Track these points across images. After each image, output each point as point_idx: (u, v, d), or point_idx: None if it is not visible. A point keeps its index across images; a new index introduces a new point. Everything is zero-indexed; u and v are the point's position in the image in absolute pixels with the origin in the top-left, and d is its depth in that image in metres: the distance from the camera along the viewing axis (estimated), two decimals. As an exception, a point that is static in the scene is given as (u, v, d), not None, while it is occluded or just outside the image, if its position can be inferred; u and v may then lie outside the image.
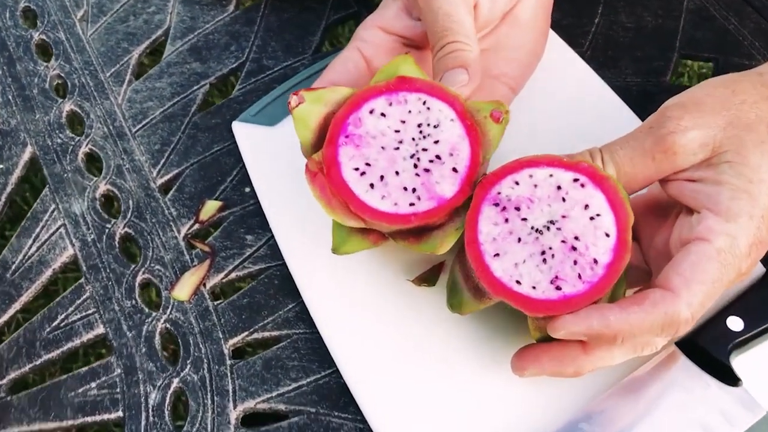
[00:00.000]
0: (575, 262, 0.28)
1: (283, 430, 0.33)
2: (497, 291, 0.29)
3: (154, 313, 0.37)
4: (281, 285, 0.37)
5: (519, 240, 0.29)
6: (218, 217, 0.39)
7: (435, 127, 0.31)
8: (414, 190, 0.30)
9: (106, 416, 0.34)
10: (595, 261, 0.28)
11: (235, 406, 0.34)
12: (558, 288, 0.28)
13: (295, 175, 0.33)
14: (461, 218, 0.30)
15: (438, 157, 0.31)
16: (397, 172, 0.30)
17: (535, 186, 0.30)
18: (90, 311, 0.37)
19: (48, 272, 0.39)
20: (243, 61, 0.45)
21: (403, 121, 0.31)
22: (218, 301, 0.37)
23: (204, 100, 0.44)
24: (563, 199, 0.29)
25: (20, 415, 0.35)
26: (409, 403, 0.32)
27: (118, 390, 0.35)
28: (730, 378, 0.30)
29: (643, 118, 0.37)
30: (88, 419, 0.34)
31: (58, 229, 0.40)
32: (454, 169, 0.30)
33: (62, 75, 0.46)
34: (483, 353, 0.33)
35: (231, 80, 0.45)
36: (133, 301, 0.37)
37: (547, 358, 0.29)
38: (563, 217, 0.29)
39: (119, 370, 0.35)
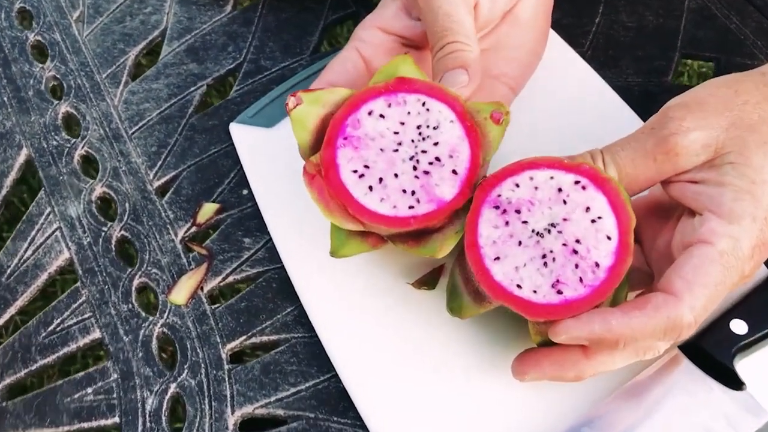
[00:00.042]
0: (576, 266, 0.28)
1: (282, 435, 0.33)
2: (498, 295, 0.28)
3: (150, 318, 0.37)
4: (279, 288, 0.36)
5: (519, 243, 0.29)
6: (216, 220, 0.39)
7: (434, 128, 0.31)
8: (413, 192, 0.30)
9: (102, 422, 0.34)
10: (597, 264, 0.28)
11: (233, 412, 0.34)
12: (559, 292, 0.28)
13: (294, 177, 0.33)
14: (461, 221, 0.30)
15: (437, 159, 0.30)
16: (396, 175, 0.30)
17: (536, 188, 0.29)
18: (86, 315, 0.37)
19: (44, 276, 0.39)
20: (240, 62, 0.45)
21: (403, 123, 0.31)
22: (216, 305, 0.37)
23: (201, 101, 0.44)
24: (564, 202, 0.29)
25: (16, 421, 0.34)
26: (408, 408, 0.32)
27: (114, 395, 0.35)
28: (733, 382, 0.30)
29: (644, 118, 0.37)
30: (85, 425, 0.34)
31: (53, 232, 0.40)
32: (454, 171, 0.30)
33: (58, 76, 0.45)
34: (483, 357, 0.32)
35: (228, 81, 0.45)
36: (130, 305, 0.37)
37: (548, 362, 0.29)
38: (564, 219, 0.29)
39: (116, 375, 0.35)
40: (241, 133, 0.40)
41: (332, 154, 0.30)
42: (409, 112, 0.31)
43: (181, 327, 0.36)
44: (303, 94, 0.31)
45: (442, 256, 0.30)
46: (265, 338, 0.35)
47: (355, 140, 0.31)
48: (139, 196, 0.40)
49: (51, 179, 0.42)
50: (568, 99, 0.39)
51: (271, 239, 0.38)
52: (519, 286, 0.28)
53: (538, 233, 0.29)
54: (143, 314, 0.37)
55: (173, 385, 0.34)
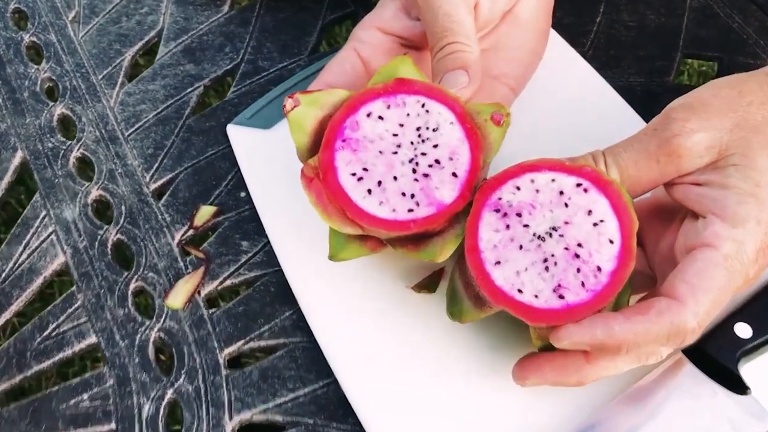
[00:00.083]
0: (578, 270, 0.28)
1: (280, 441, 0.32)
2: (498, 300, 0.28)
3: (147, 322, 0.36)
4: (278, 292, 0.36)
5: (521, 247, 0.28)
6: (213, 223, 0.39)
7: (434, 130, 0.30)
8: (413, 195, 0.30)
9: (98, 428, 0.34)
10: (599, 268, 0.28)
11: (230, 418, 0.33)
12: (561, 297, 0.28)
13: (292, 180, 0.33)
14: (461, 224, 0.29)
15: (437, 161, 0.30)
16: (395, 177, 0.30)
17: (537, 191, 0.29)
18: (82, 320, 0.37)
19: (39, 280, 0.38)
20: (238, 63, 0.44)
21: (402, 125, 0.30)
22: (213, 309, 0.36)
23: (198, 102, 0.43)
24: (566, 205, 0.29)
25: (11, 427, 0.34)
26: (408, 414, 0.31)
27: (110, 401, 0.34)
28: (738, 386, 0.30)
29: (646, 119, 0.37)
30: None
31: (49, 235, 0.39)
32: (454, 174, 0.30)
33: (53, 78, 0.45)
34: (484, 362, 0.32)
35: (226, 82, 0.45)
36: (126, 310, 0.37)
37: (549, 367, 0.29)
38: (566, 223, 0.28)
39: (112, 381, 0.35)
40: (238, 135, 0.40)
41: (330, 157, 0.30)
42: (408, 114, 0.31)
43: (178, 332, 0.36)
44: (300, 96, 0.31)
45: (443, 260, 0.30)
46: (263, 343, 0.35)
47: (354, 143, 0.30)
48: (135, 199, 0.40)
49: (46, 182, 0.41)
50: (569, 99, 0.39)
51: (269, 242, 0.37)
52: (520, 291, 0.28)
53: (539, 237, 0.28)
54: (140, 319, 0.36)
55: (170, 391, 0.34)
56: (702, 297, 0.27)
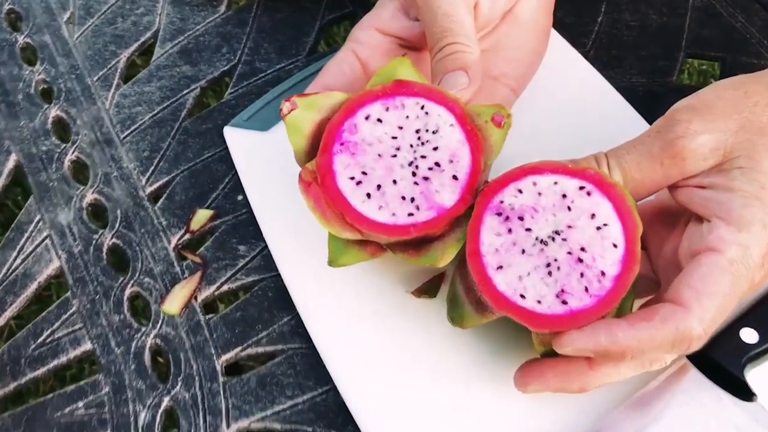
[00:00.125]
0: (582, 275, 0.27)
1: (279, 449, 0.32)
2: (501, 306, 0.27)
3: (143, 328, 0.36)
4: (276, 297, 0.36)
5: (523, 251, 0.28)
6: (210, 227, 0.38)
7: (434, 132, 0.30)
8: (413, 199, 0.29)
9: (94, 437, 0.33)
10: (603, 273, 0.27)
11: (228, 426, 0.33)
12: (564, 302, 0.27)
13: (290, 182, 0.32)
14: (462, 228, 0.29)
15: (437, 164, 0.29)
16: (394, 181, 0.29)
17: (540, 194, 0.29)
18: (77, 326, 0.36)
19: (33, 286, 0.38)
20: (235, 64, 0.44)
21: (401, 127, 0.30)
22: (210, 315, 0.36)
23: (195, 104, 0.43)
24: (569, 208, 0.28)
25: (4, 436, 0.34)
26: (409, 421, 0.31)
27: (106, 409, 0.34)
28: (744, 392, 0.29)
29: (648, 119, 0.37)
30: (76, 440, 0.33)
31: (43, 240, 0.39)
32: (455, 177, 0.29)
33: (48, 80, 0.44)
34: (485, 368, 0.32)
35: (223, 83, 0.44)
36: (122, 316, 0.36)
37: (551, 373, 0.28)
38: (569, 227, 0.28)
39: (107, 389, 0.34)
40: (235, 137, 0.40)
41: (328, 161, 0.29)
42: (407, 116, 0.30)
43: (175, 338, 0.35)
44: (297, 99, 0.30)
45: (444, 265, 0.29)
46: (261, 349, 0.35)
47: (352, 146, 0.30)
48: (131, 203, 0.39)
49: (40, 186, 0.41)
50: (571, 100, 0.38)
51: (266, 246, 0.37)
52: (522, 296, 0.27)
53: (542, 241, 0.28)
54: (135, 325, 0.36)
55: (167, 399, 0.34)
56: (707, 303, 0.26)
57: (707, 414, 0.29)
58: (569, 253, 0.28)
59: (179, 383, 0.34)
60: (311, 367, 0.33)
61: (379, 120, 0.30)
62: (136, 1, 0.47)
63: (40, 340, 0.36)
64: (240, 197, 0.39)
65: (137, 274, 0.37)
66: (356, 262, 0.31)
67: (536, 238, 0.28)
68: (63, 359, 0.35)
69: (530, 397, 0.30)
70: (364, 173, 0.29)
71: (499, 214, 0.29)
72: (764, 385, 0.29)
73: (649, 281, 0.31)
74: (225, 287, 0.36)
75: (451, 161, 0.29)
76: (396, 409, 0.31)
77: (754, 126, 0.28)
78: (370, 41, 0.34)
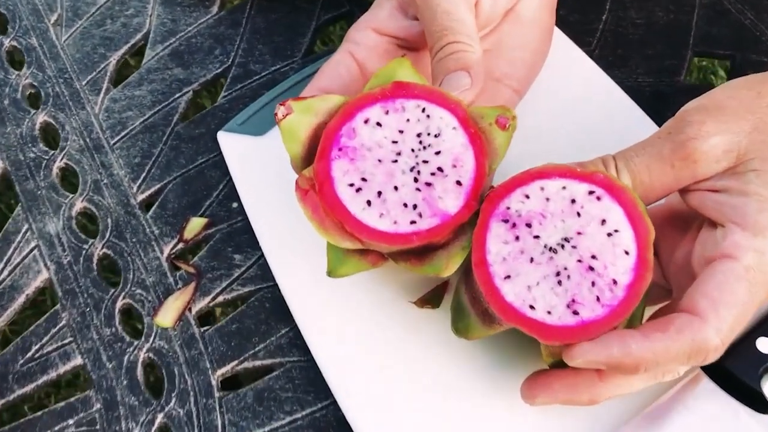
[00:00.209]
0: (593, 284, 0.26)
1: (277, 468, 0.31)
2: (509, 317, 0.26)
3: (135, 342, 0.34)
4: (273, 309, 0.35)
5: (531, 260, 0.27)
6: (204, 236, 0.37)
7: (436, 136, 0.29)
8: (415, 206, 0.28)
9: (84, 456, 0.32)
10: (615, 282, 0.26)
11: (224, 443, 0.32)
12: (575, 312, 0.26)
13: (286, 189, 0.31)
14: (467, 236, 0.28)
15: (440, 169, 0.28)
16: (396, 188, 0.28)
17: (547, 199, 0.27)
18: (66, 340, 0.35)
19: (21, 298, 0.36)
20: (228, 66, 0.43)
21: (401, 131, 0.29)
22: (205, 328, 0.35)
23: (187, 108, 0.42)
24: (578, 214, 0.27)
25: (-9, 456, 0.32)
26: (413, 437, 0.30)
27: (98, 427, 0.32)
28: (760, 404, 0.28)
29: (656, 120, 0.36)
30: (65, 460, 0.32)
31: (31, 251, 0.38)
32: (458, 182, 0.28)
33: (35, 84, 0.43)
34: (491, 380, 0.31)
35: (217, 86, 0.43)
36: (113, 329, 0.35)
37: (560, 385, 0.28)
38: (578, 233, 0.27)
39: (99, 405, 0.33)
40: (229, 142, 0.39)
41: (326, 167, 0.28)
42: (408, 120, 0.29)
43: (168, 352, 0.34)
44: (293, 103, 0.29)
45: (448, 275, 0.28)
46: (258, 363, 0.33)
47: (351, 151, 0.29)
48: (122, 211, 0.38)
49: (28, 194, 0.39)
50: (575, 100, 0.37)
51: (263, 256, 0.36)
52: (532, 307, 0.26)
53: (551, 249, 0.27)
54: (127, 338, 0.35)
55: (160, 415, 0.32)
56: (724, 312, 0.25)
57: (722, 427, 0.28)
58: (579, 260, 0.27)
59: (173, 399, 0.33)
60: (310, 381, 0.33)
61: (379, 124, 0.29)
62: (126, 2, 0.46)
63: (29, 355, 0.35)
64: (235, 204, 0.38)
65: (129, 286, 0.36)
66: (356, 273, 0.30)
67: (545, 246, 0.27)
68: (52, 375, 0.34)
69: (538, 409, 0.29)
70: (363, 180, 0.28)
71: (506, 221, 0.27)
72: (782, 396, 0.28)
73: (660, 288, 0.30)
74: (220, 298, 0.35)
75: (455, 166, 0.28)
76: (399, 424, 0.30)
77: (769, 127, 0.27)
78: (367, 42, 0.34)
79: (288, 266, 0.34)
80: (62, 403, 0.33)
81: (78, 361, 0.34)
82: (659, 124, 0.33)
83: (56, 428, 0.33)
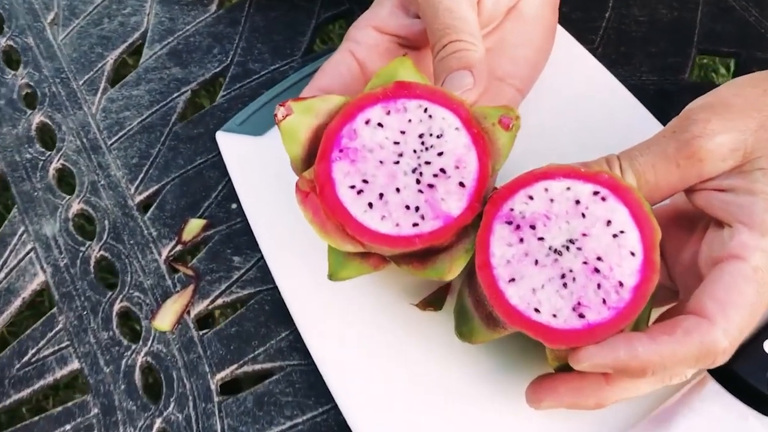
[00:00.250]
0: (599, 286, 0.26)
1: (278, 473, 0.30)
2: (514, 321, 0.26)
3: (133, 346, 0.34)
4: (273, 311, 0.34)
5: (536, 262, 0.26)
6: (202, 237, 0.37)
7: (438, 137, 0.28)
8: (417, 208, 0.28)
9: (82, 462, 0.32)
10: (621, 284, 0.26)
11: (224, 449, 0.31)
12: (581, 315, 0.26)
13: (286, 190, 0.31)
14: (471, 239, 0.28)
15: (443, 170, 0.28)
16: (398, 189, 0.28)
17: (552, 201, 0.27)
18: (63, 344, 0.34)
19: (17, 302, 0.36)
20: (227, 65, 0.42)
21: (403, 132, 0.28)
22: (204, 331, 0.34)
23: (185, 108, 0.41)
24: (583, 215, 0.27)
25: (-12, 462, 0.32)
26: (416, 442, 0.29)
27: (95, 432, 0.32)
28: (769, 408, 0.28)
29: (660, 118, 0.35)
30: (63, 466, 0.32)
31: (27, 253, 0.37)
32: (461, 184, 0.28)
33: (31, 84, 0.43)
34: (495, 384, 0.30)
35: (215, 85, 0.43)
36: (111, 333, 0.34)
37: (565, 389, 0.27)
38: (583, 235, 0.27)
39: (96, 410, 0.33)
40: (228, 143, 0.38)
41: (327, 169, 0.28)
42: (410, 120, 0.29)
43: (167, 356, 0.34)
44: (293, 104, 0.28)
45: (452, 278, 0.28)
46: (257, 366, 0.33)
47: (352, 152, 0.28)
48: (119, 213, 0.38)
49: (24, 195, 0.39)
50: (578, 99, 0.37)
51: (262, 258, 0.35)
52: (537, 310, 0.26)
53: (555, 251, 0.26)
54: (125, 342, 0.34)
55: (159, 420, 0.32)
56: (733, 314, 0.25)
57: (729, 430, 0.28)
58: (585, 262, 0.26)
59: (172, 404, 0.32)
60: (311, 385, 0.32)
61: (380, 124, 0.28)
62: (123, 1, 0.45)
63: (25, 359, 0.34)
64: (234, 206, 0.37)
65: (126, 289, 0.36)
66: (358, 276, 0.29)
67: (550, 248, 0.27)
68: (49, 379, 0.34)
69: (543, 414, 0.29)
70: (365, 181, 0.28)
71: (510, 223, 0.27)
72: (791, 399, 0.28)
73: (666, 290, 0.29)
74: (219, 301, 0.35)
75: (458, 167, 0.28)
76: (401, 429, 0.30)
77: (776, 125, 0.27)
78: (367, 41, 0.33)
79: (288, 268, 0.34)
80: (59, 408, 0.33)
81: (75, 365, 0.34)
82: (663, 123, 0.33)
83: (53, 434, 0.32)
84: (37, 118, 0.42)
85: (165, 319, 0.34)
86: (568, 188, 0.27)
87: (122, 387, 0.33)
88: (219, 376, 0.33)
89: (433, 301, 0.32)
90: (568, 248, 0.26)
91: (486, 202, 0.28)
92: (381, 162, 0.28)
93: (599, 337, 0.25)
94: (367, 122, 0.29)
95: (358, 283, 0.32)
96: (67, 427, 0.32)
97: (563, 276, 0.26)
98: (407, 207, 0.28)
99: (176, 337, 0.34)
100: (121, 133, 0.40)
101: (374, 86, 0.29)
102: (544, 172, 0.28)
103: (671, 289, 0.29)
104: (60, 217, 0.38)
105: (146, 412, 0.32)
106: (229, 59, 0.43)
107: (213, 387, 0.33)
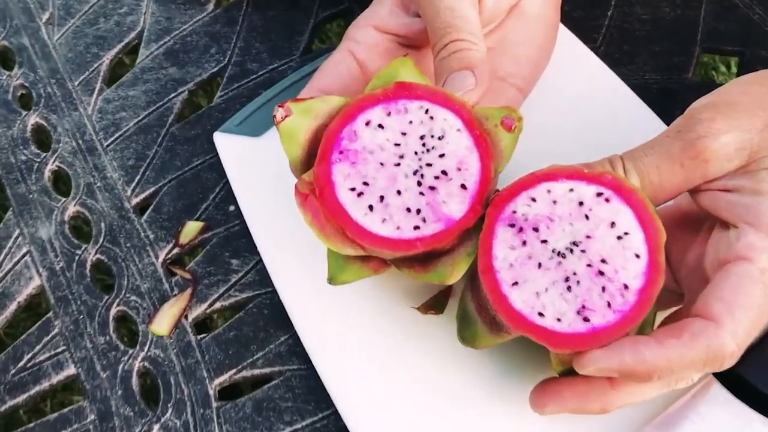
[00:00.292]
0: (603, 289, 0.26)
1: (278, 480, 0.30)
2: (518, 325, 0.25)
3: (130, 351, 0.34)
4: (272, 315, 0.34)
5: (539, 265, 0.26)
6: (200, 240, 0.36)
7: (440, 138, 0.28)
8: (418, 211, 0.27)
9: (78, 469, 0.31)
10: (626, 286, 0.26)
11: (223, 455, 0.31)
12: (586, 319, 0.25)
13: (285, 191, 0.30)
14: (473, 242, 0.27)
15: (444, 172, 0.27)
16: (398, 192, 0.27)
17: (554, 202, 0.27)
18: (59, 349, 0.34)
19: (12, 306, 0.36)
20: (224, 65, 0.42)
21: (404, 133, 0.28)
22: (202, 335, 0.34)
23: (182, 108, 0.41)
24: (586, 217, 0.26)
25: (-18, 470, 0.32)
26: (417, 447, 0.29)
27: (91, 439, 0.32)
28: (776, 413, 0.27)
29: (664, 118, 0.35)
30: (59, 473, 0.31)
31: (23, 257, 0.37)
32: (463, 186, 0.27)
33: (26, 85, 0.42)
34: (498, 389, 0.30)
35: (212, 86, 0.42)
36: (107, 337, 0.34)
37: (570, 393, 0.27)
38: (587, 237, 0.26)
39: (93, 416, 0.32)
40: (226, 144, 0.38)
41: (327, 171, 0.27)
42: (411, 121, 0.28)
43: (164, 360, 0.33)
44: (292, 105, 0.28)
45: (453, 282, 0.27)
46: (256, 371, 0.33)
47: (352, 154, 0.28)
48: (115, 215, 0.37)
49: (19, 198, 0.38)
50: (581, 99, 0.37)
51: (261, 261, 0.35)
52: (541, 314, 0.25)
53: (559, 253, 0.26)
54: (122, 347, 0.34)
55: (156, 427, 0.32)
56: (740, 316, 0.25)
57: (736, 435, 0.27)
58: (589, 265, 0.26)
59: (170, 409, 0.32)
60: (311, 390, 0.32)
61: (381, 126, 0.28)
62: (119, 0, 0.45)
63: (21, 364, 0.34)
64: (232, 208, 0.37)
65: (123, 292, 0.35)
66: (358, 279, 0.29)
67: (553, 251, 0.26)
68: (45, 385, 0.34)
69: (547, 419, 0.28)
70: (365, 184, 0.27)
71: (512, 226, 0.27)
72: (798, 403, 0.28)
73: (670, 293, 0.29)
74: (217, 305, 0.35)
75: (459, 169, 0.27)
76: (403, 435, 0.29)
77: (781, 123, 0.26)
78: (367, 40, 0.33)
79: (287, 271, 0.34)
80: (55, 414, 0.33)
81: (71, 370, 0.34)
82: (667, 123, 0.33)
83: (49, 440, 0.32)
84: (32, 119, 0.41)
85: (162, 323, 0.34)
86: (571, 190, 0.27)
87: (119, 393, 0.33)
88: (217, 381, 0.33)
89: (435, 304, 0.32)
90: (571, 251, 0.26)
91: (488, 204, 0.27)
92: (382, 164, 0.28)
93: (604, 341, 0.25)
94: (367, 123, 0.28)
95: (359, 286, 0.32)
96: (64, 433, 0.32)
97: (567, 279, 0.26)
98: (408, 210, 0.27)
99: (174, 342, 0.34)
100: (117, 135, 0.40)
101: (375, 87, 0.29)
102: (546, 173, 0.27)
103: (676, 291, 0.29)
104: (55, 219, 0.38)
105: (144, 418, 0.32)
106: (227, 59, 0.42)
107: (211, 392, 0.32)
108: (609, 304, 0.25)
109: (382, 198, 0.27)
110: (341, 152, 0.28)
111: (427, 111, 0.28)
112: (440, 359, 0.31)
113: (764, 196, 0.26)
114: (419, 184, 0.27)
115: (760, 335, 0.29)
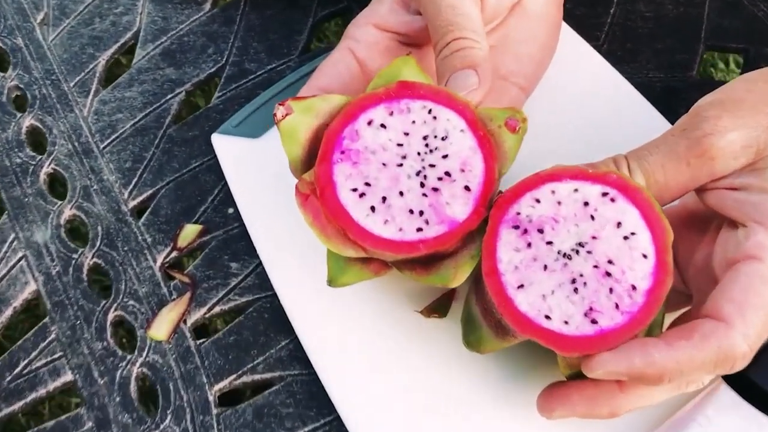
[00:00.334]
0: (611, 290, 0.25)
1: (280, 487, 0.30)
2: (524, 329, 0.25)
3: (128, 356, 0.33)
4: (272, 319, 0.33)
5: (545, 267, 0.25)
6: (199, 243, 0.36)
7: (443, 139, 0.27)
8: (421, 212, 0.27)
9: (76, 478, 0.31)
10: (634, 287, 0.25)
11: (223, 462, 0.30)
12: (593, 321, 0.25)
13: (285, 193, 0.30)
14: (477, 244, 0.27)
15: (447, 173, 0.27)
16: (401, 193, 0.27)
17: (559, 203, 0.26)
18: (56, 355, 0.33)
19: (8, 311, 0.35)
20: (222, 65, 0.41)
21: (407, 133, 0.28)
22: (201, 340, 0.33)
23: (180, 109, 0.40)
24: (592, 217, 0.26)
25: (-22, 479, 0.31)
26: (421, 453, 0.28)
27: (89, 447, 0.31)
28: (787, 416, 0.27)
29: (668, 116, 0.34)
30: (56, 482, 0.31)
31: (18, 261, 0.36)
32: (467, 188, 0.27)
33: (21, 86, 0.42)
34: (504, 393, 0.29)
35: (210, 86, 0.42)
36: (105, 343, 0.33)
37: (578, 397, 0.26)
38: (593, 237, 0.26)
39: (90, 424, 0.32)
40: (224, 145, 0.37)
41: (328, 171, 0.27)
42: (413, 121, 0.28)
43: (163, 366, 0.33)
44: (293, 103, 0.28)
45: (457, 285, 0.27)
46: (257, 377, 0.32)
47: (354, 154, 0.27)
48: (112, 218, 0.37)
49: (15, 201, 0.38)
50: (584, 97, 0.36)
51: (261, 264, 0.34)
52: (548, 317, 0.25)
53: (565, 255, 0.26)
54: (120, 353, 0.33)
55: (155, 434, 0.31)
56: (751, 316, 0.24)
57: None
58: (596, 266, 0.25)
59: (169, 416, 0.31)
60: (312, 395, 0.31)
61: (383, 125, 0.28)
62: (115, 0, 0.44)
63: (17, 371, 0.33)
64: (231, 210, 0.36)
65: (121, 297, 0.34)
66: (358, 282, 0.28)
67: (559, 252, 0.26)
68: (42, 392, 0.33)
69: (555, 423, 0.28)
70: (367, 184, 0.27)
71: (517, 227, 0.26)
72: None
73: (678, 294, 0.29)
74: (217, 309, 0.34)
75: (463, 170, 0.27)
76: (407, 440, 0.29)
77: (788, 121, 0.26)
78: (367, 38, 0.32)
79: (287, 275, 0.33)
80: (53, 422, 0.32)
81: (68, 377, 0.33)
82: (671, 121, 0.32)
83: (46, 448, 0.31)
84: (27, 121, 0.40)
85: (161, 328, 0.33)
86: (576, 190, 0.26)
87: (117, 399, 0.32)
88: (217, 387, 0.32)
89: (438, 307, 0.31)
90: (577, 252, 0.26)
91: (492, 206, 0.27)
92: (384, 164, 0.27)
93: (613, 344, 0.25)
94: (369, 123, 0.28)
95: (360, 289, 0.31)
96: (61, 441, 0.31)
97: (574, 281, 0.25)
98: (411, 211, 0.27)
99: (173, 347, 0.33)
100: (113, 136, 0.39)
101: (377, 86, 0.28)
102: (550, 173, 0.27)
103: (684, 293, 0.29)
104: (51, 223, 0.37)
105: (142, 425, 0.31)
106: (225, 59, 0.42)
107: (211, 398, 0.32)
108: (617, 306, 0.25)
109: (384, 199, 0.27)
110: (343, 152, 0.27)
111: (430, 111, 0.28)
112: (444, 363, 0.30)
113: (772, 194, 0.25)
114: (422, 185, 0.27)
115: (770, 337, 0.28)
